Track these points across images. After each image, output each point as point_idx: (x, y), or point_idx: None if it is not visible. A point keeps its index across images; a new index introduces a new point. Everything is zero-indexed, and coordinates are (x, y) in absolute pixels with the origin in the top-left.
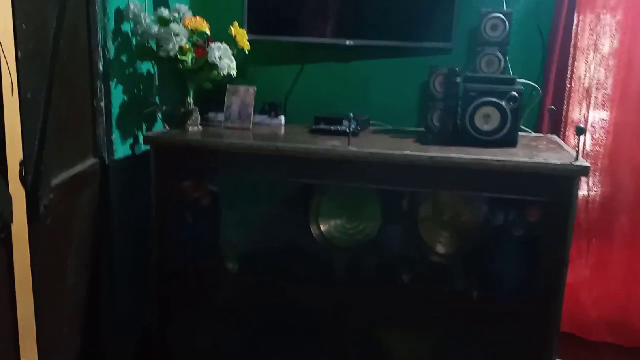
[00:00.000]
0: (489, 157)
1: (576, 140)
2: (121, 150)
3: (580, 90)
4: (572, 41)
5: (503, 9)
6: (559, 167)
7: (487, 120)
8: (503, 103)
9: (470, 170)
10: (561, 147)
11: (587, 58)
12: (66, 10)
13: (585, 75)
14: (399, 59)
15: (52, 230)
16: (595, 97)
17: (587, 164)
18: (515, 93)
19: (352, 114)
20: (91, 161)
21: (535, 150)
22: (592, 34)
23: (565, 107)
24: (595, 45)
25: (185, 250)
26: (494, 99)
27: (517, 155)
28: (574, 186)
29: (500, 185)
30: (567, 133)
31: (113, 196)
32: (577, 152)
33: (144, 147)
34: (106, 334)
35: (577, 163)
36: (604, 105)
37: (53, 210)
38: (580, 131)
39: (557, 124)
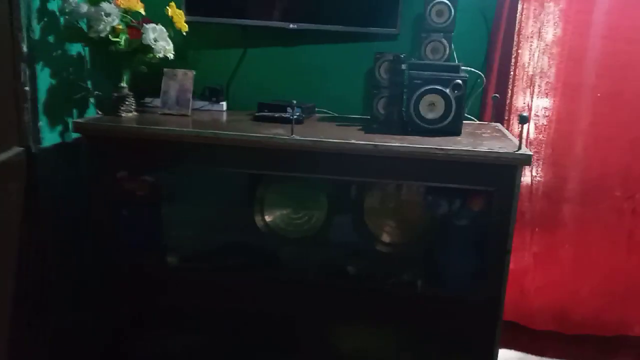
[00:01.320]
0: (432, 146)
1: (519, 129)
2: (49, 137)
3: (523, 78)
4: (516, 28)
5: None
6: (502, 155)
7: (431, 108)
8: (447, 91)
9: (414, 159)
10: (505, 135)
11: (530, 46)
12: None
13: (528, 63)
14: (344, 45)
15: None
16: (538, 85)
17: (530, 153)
18: (459, 81)
19: (294, 101)
20: (15, 150)
21: (479, 139)
22: (535, 22)
23: (509, 95)
24: (539, 33)
25: (122, 245)
26: (438, 87)
27: (461, 144)
28: (517, 175)
29: (443, 174)
30: (511, 121)
31: (41, 187)
32: (520, 140)
33: (74, 135)
34: (36, 340)
35: (520, 152)
36: (547, 94)
37: None
38: (523, 120)
39: (500, 112)
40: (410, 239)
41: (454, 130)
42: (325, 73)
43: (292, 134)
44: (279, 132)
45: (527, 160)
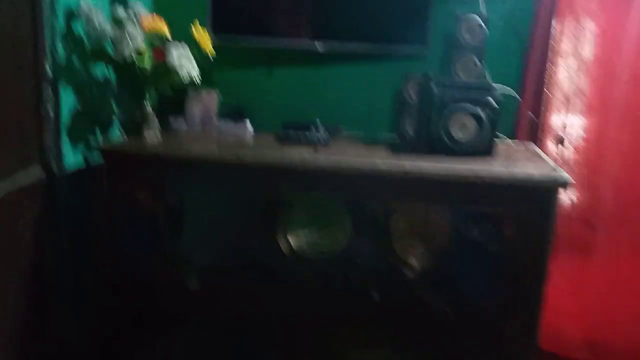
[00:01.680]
0: (462, 168)
1: (555, 150)
2: (72, 160)
3: (559, 97)
4: (551, 46)
5: (480, 12)
6: (537, 178)
7: (462, 128)
8: (479, 110)
9: (443, 182)
10: (539, 156)
11: (566, 64)
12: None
13: (564, 82)
14: (372, 64)
15: None
16: (574, 104)
17: (567, 176)
18: (492, 100)
19: (318, 121)
20: (36, 172)
21: (512, 160)
22: (571, 39)
23: (543, 114)
24: (575, 50)
25: (141, 266)
26: (469, 106)
27: (493, 166)
28: (553, 199)
29: (474, 197)
30: (546, 141)
31: (62, 209)
32: (557, 163)
33: (97, 156)
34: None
35: (556, 174)
36: (583, 113)
37: None
38: (560, 141)
39: (534, 132)
40: (439, 264)
41: (486, 151)
42: (352, 93)
43: (317, 154)
44: (302, 153)
45: (564, 183)
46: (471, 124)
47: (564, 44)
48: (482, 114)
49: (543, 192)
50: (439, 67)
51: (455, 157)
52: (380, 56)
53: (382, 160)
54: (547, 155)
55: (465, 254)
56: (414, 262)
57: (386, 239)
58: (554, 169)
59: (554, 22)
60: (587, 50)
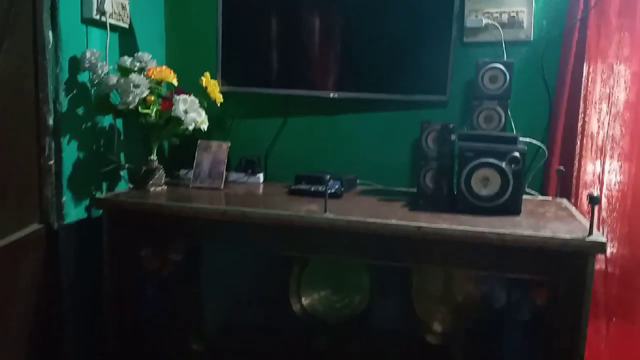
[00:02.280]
0: (485, 229)
1: (589, 209)
2: (74, 213)
3: (592, 148)
4: (582, 93)
5: (503, 59)
6: (569, 242)
7: (485, 183)
8: (503, 165)
9: (464, 244)
10: (572, 214)
11: (599, 112)
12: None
13: (597, 132)
14: (389, 113)
15: None
16: (609, 156)
17: (603, 239)
18: (517, 153)
19: (328, 175)
20: (33, 227)
21: (541, 219)
22: (604, 86)
23: (575, 167)
24: (609, 97)
25: (144, 328)
26: (492, 160)
27: (520, 226)
28: (588, 265)
29: (499, 261)
30: (580, 196)
31: (63, 266)
32: (591, 224)
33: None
34: None
35: (591, 238)
36: (620, 165)
37: None
38: (594, 200)
39: (566, 186)
40: (464, 330)
41: (512, 209)
42: (368, 143)
43: (325, 212)
44: (312, 209)
45: (599, 248)
46: (495, 179)
47: (595, 91)
48: (507, 169)
49: (577, 256)
50: (459, 115)
51: (478, 216)
52: (399, 104)
53: (397, 219)
54: (581, 212)
55: (493, 321)
56: (437, 327)
57: (407, 301)
58: (589, 231)
59: (584, 68)
60: (622, 97)
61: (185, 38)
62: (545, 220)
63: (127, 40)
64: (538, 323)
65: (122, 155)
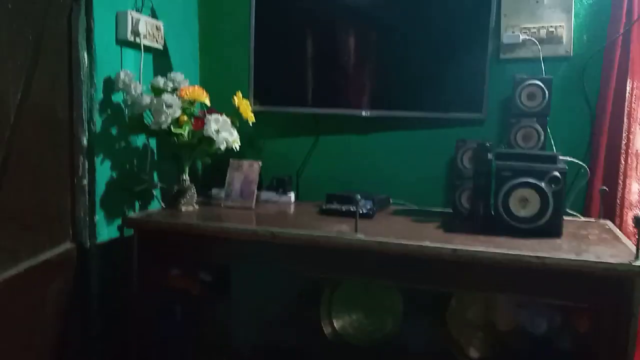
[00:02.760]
0: (524, 252)
1: (636, 232)
2: (106, 232)
3: (637, 167)
4: (625, 110)
5: (541, 75)
6: (615, 266)
7: (524, 204)
8: (543, 185)
9: (501, 267)
10: (617, 237)
11: None
12: (34, 78)
13: None
14: (423, 131)
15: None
16: None
17: None
18: (557, 173)
19: (359, 195)
20: (65, 246)
21: (583, 242)
22: None
23: (619, 186)
24: None
25: (172, 349)
26: (531, 180)
27: (561, 250)
28: (635, 290)
29: (539, 286)
30: (624, 217)
31: (92, 285)
32: (638, 247)
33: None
34: None
35: (638, 262)
36: None
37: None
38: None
39: (610, 207)
40: (502, 355)
41: (553, 231)
42: (401, 161)
43: (356, 233)
44: (342, 230)
45: None
46: (534, 199)
47: (638, 107)
48: (546, 189)
49: (623, 282)
50: (496, 133)
51: (516, 238)
52: (433, 123)
53: (430, 242)
54: (625, 234)
55: (532, 349)
56: (473, 352)
57: (442, 325)
58: (636, 255)
59: (627, 84)
60: None
61: (218, 58)
62: (587, 243)
63: (161, 61)
64: (580, 352)
65: (155, 174)
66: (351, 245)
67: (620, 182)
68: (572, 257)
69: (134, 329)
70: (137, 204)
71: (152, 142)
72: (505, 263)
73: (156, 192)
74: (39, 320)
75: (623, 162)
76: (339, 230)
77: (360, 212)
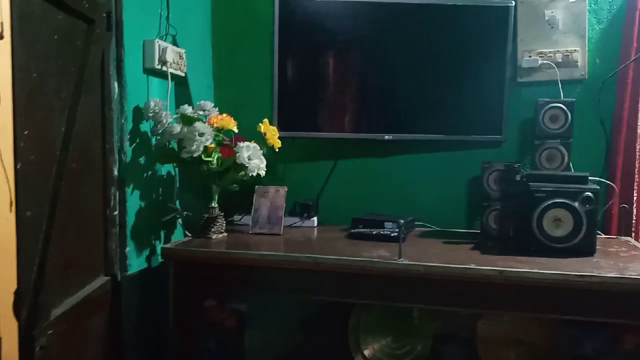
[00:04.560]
0: (572, 272)
1: None
2: (135, 263)
3: None
4: (639, 130)
5: (563, 98)
6: None
7: (557, 224)
8: (576, 205)
9: (548, 288)
10: None
11: None
12: (77, 111)
13: None
14: (442, 153)
15: None
16: None
17: None
18: (590, 193)
19: (399, 219)
20: (101, 280)
21: (618, 260)
22: None
23: (634, 204)
24: None
25: None
26: (565, 200)
27: (602, 268)
28: None
29: (585, 305)
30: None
31: (126, 319)
32: None
33: (160, 258)
34: None
35: None
36: None
37: (52, 349)
38: None
39: (629, 224)
40: None
41: (587, 249)
42: (421, 183)
43: (399, 257)
44: (382, 255)
45: None
46: (567, 219)
47: None
48: (580, 209)
49: None
50: (515, 154)
51: (552, 257)
52: (453, 145)
53: (476, 264)
54: None
55: None
56: None
57: (474, 350)
58: None
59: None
60: None
61: (233, 86)
62: (623, 261)
63: (182, 89)
64: None
65: (178, 203)
66: (396, 270)
67: (636, 200)
68: (617, 275)
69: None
70: (162, 234)
71: (174, 170)
72: (552, 283)
73: (180, 222)
74: (80, 355)
75: (638, 180)
76: (379, 255)
77: (392, 234)
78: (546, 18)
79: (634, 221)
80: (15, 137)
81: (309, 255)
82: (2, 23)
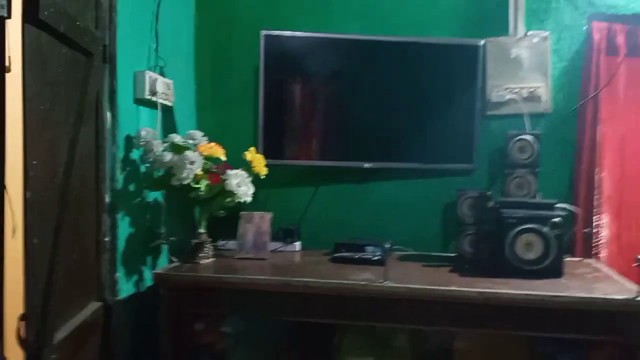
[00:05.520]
0: (547, 293)
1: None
2: (125, 288)
3: (609, 210)
4: (598, 161)
5: (530, 131)
6: (622, 302)
7: (528, 248)
8: (545, 230)
9: (523, 307)
10: (609, 275)
11: (614, 177)
12: (78, 141)
13: (614, 195)
14: (418, 180)
15: None
16: (627, 217)
17: None
18: (557, 219)
19: (382, 243)
20: (94, 305)
21: (585, 281)
22: (618, 154)
23: (596, 228)
24: (622, 165)
25: None
26: (535, 226)
27: (571, 289)
28: None
29: (555, 323)
30: (602, 255)
31: (117, 343)
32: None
33: (147, 283)
34: None
35: None
36: (637, 225)
37: None
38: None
39: (590, 247)
40: None
41: (556, 271)
42: (398, 209)
43: (385, 280)
44: (368, 278)
45: None
46: (537, 243)
47: (609, 158)
48: (549, 233)
49: (630, 316)
50: (485, 182)
51: (524, 279)
52: (427, 173)
53: (457, 286)
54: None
55: None
56: None
57: None
58: (638, 292)
59: (597, 137)
60: (632, 163)
61: (215, 115)
62: (588, 282)
63: (168, 118)
64: None
65: (164, 229)
66: (383, 292)
67: (594, 224)
68: (586, 296)
69: None
70: (148, 259)
71: (161, 197)
72: (527, 303)
73: (166, 247)
74: None
75: (598, 205)
76: (365, 278)
77: (374, 258)
78: (512, 56)
79: (595, 244)
80: (25, 166)
81: (299, 279)
82: (9, 57)
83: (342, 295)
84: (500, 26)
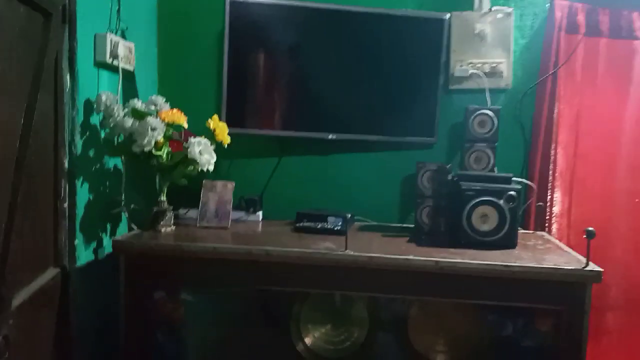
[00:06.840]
0: (499, 263)
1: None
2: (84, 256)
3: (562, 185)
4: (553, 137)
5: (491, 106)
6: (570, 272)
7: (484, 220)
8: (501, 202)
9: (477, 277)
10: (559, 246)
11: (568, 154)
12: (35, 106)
13: (565, 171)
14: (379, 153)
15: None
16: (577, 193)
17: (600, 269)
18: (513, 192)
19: (344, 213)
20: (52, 271)
21: (537, 252)
22: (572, 130)
23: (548, 203)
24: (576, 141)
25: None
26: (491, 198)
27: (523, 259)
28: (587, 292)
29: (507, 292)
30: (552, 229)
31: (75, 310)
32: (588, 255)
33: (107, 250)
34: None
35: (589, 268)
36: (586, 201)
37: (13, 338)
38: (590, 235)
39: (542, 220)
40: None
41: (509, 242)
42: (360, 181)
43: (345, 249)
44: (330, 247)
45: (597, 277)
46: (493, 215)
47: (564, 135)
48: (504, 206)
49: (577, 285)
50: (445, 155)
51: (479, 250)
52: (390, 145)
53: (415, 256)
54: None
55: (497, 350)
56: (440, 358)
57: (405, 335)
58: (586, 262)
59: (555, 114)
60: (585, 140)
61: (177, 82)
62: (539, 253)
63: (129, 83)
64: (541, 348)
65: (124, 196)
66: (342, 261)
67: (549, 199)
68: (536, 265)
69: (123, 354)
70: (108, 227)
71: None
72: (481, 272)
73: (126, 215)
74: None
75: (551, 180)
76: (327, 247)
77: (335, 228)
78: (476, 32)
79: (547, 218)
80: None
81: (260, 247)
82: None
83: (303, 264)
84: (465, 0)
